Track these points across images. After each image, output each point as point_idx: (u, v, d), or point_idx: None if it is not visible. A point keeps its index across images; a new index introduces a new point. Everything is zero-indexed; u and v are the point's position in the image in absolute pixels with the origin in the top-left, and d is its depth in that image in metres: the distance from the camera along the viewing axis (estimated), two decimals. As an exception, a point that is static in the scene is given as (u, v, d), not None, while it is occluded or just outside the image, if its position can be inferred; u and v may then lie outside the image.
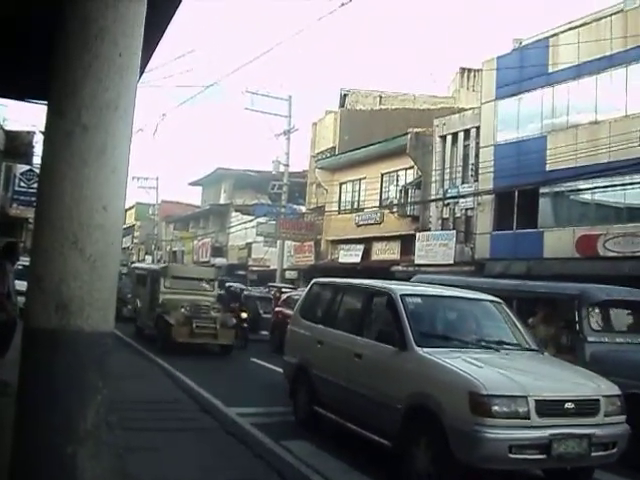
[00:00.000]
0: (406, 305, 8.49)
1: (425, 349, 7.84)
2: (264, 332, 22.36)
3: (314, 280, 11.98)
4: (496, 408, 6.72)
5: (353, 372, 8.89)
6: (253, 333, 22.27)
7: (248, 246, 46.85)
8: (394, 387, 7.93)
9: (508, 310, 9.38)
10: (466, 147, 29.05)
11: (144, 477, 7.04)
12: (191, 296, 20.13)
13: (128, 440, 8.12)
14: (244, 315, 21.15)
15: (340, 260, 35.11)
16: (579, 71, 23.81)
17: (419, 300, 9.05)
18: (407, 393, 7.62)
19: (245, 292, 26.51)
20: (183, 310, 18.81)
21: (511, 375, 7.27)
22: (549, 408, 6.98)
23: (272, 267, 40.18)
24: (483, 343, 8.44)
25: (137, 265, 34.49)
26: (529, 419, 6.84)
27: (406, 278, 23.41)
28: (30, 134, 26.46)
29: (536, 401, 6.86)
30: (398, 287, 9.39)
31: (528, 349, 8.62)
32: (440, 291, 10.13)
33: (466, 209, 28.60)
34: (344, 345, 9.33)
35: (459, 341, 8.42)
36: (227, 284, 28.66)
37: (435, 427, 7.09)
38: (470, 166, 28.52)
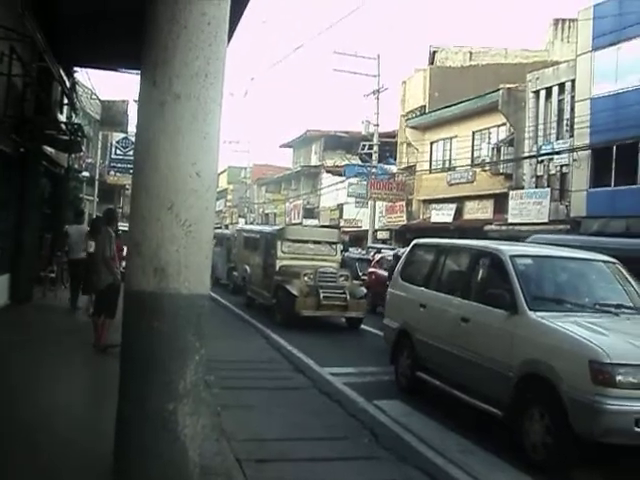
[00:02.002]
0: (516, 266, 8.10)
1: (538, 313, 7.45)
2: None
3: (415, 241, 11.50)
4: (620, 378, 6.26)
5: (459, 337, 8.55)
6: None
7: (339, 207, 46.93)
8: (505, 353, 7.55)
9: (624, 271, 8.75)
10: (561, 102, 28.23)
11: (239, 434, 7.16)
12: (313, 262, 17.88)
13: (224, 398, 8.40)
14: None
15: (432, 220, 34.90)
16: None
17: (529, 261, 8.66)
18: (520, 360, 7.26)
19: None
20: (306, 279, 16.69)
21: (635, 342, 6.73)
22: None
23: (364, 228, 40.18)
24: (600, 307, 7.90)
25: (245, 227, 29.56)
26: None
27: (499, 237, 23.02)
28: (124, 103, 27.17)
29: None
30: (507, 247, 8.97)
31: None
32: (551, 251, 9.54)
33: (561, 166, 27.98)
34: (449, 308, 9.02)
35: (574, 304, 7.96)
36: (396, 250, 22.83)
37: (551, 397, 6.72)
38: (565, 121, 27.76)
